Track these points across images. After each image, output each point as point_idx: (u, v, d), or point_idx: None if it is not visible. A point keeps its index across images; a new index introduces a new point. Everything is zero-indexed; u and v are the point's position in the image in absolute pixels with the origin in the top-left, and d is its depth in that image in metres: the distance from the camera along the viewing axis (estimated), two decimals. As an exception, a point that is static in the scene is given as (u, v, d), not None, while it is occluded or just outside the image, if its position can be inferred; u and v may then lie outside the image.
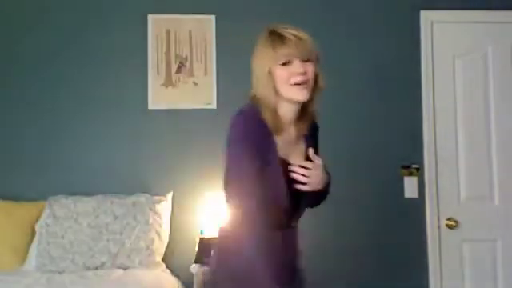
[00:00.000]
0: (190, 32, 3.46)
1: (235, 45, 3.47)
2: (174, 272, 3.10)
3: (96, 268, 2.97)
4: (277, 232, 1.73)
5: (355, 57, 3.49)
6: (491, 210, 3.45)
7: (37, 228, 3.12)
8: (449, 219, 3.41)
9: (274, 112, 1.70)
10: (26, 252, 3.09)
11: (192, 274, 2.97)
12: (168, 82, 3.43)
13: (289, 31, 1.67)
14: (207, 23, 3.47)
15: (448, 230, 3.40)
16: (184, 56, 3.45)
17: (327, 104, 3.42)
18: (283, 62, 1.66)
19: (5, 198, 3.23)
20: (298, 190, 1.75)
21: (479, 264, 3.40)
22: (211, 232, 3.19)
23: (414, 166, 3.44)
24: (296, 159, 1.77)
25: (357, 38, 3.52)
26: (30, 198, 3.25)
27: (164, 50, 3.44)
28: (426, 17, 3.51)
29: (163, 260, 3.16)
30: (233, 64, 3.46)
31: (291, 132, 1.78)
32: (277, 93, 1.69)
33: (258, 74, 1.73)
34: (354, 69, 3.47)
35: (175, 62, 3.44)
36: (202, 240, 3.09)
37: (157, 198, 3.22)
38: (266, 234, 1.64)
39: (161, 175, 3.37)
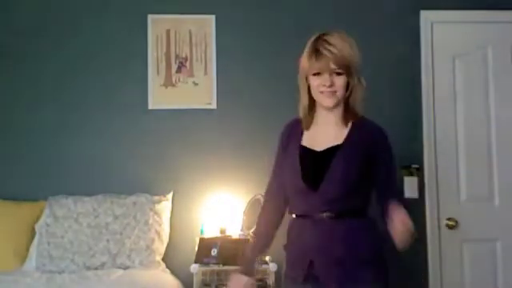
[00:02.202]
0: (189, 32, 3.46)
1: (235, 45, 3.48)
2: (173, 272, 3.10)
3: (96, 268, 2.97)
4: (303, 220, 1.93)
5: (355, 57, 3.49)
6: (491, 210, 3.45)
7: (37, 228, 3.12)
8: (449, 219, 3.41)
9: (305, 110, 2.00)
10: (26, 252, 3.09)
11: (192, 274, 2.97)
12: (168, 82, 3.43)
13: (326, 46, 1.87)
14: (207, 23, 3.47)
15: (448, 230, 3.40)
16: (184, 56, 3.45)
17: (327, 104, 3.45)
18: (315, 73, 1.91)
19: (5, 198, 3.23)
20: (315, 175, 1.88)
21: (479, 264, 3.40)
22: (211, 232, 3.19)
23: (413, 166, 3.44)
24: (320, 146, 1.94)
25: (357, 38, 3.51)
26: (30, 197, 3.25)
27: (164, 50, 3.44)
28: (426, 17, 3.51)
29: (163, 260, 3.16)
30: (233, 64, 3.46)
31: (332, 126, 1.96)
32: (311, 96, 1.97)
33: (299, 78, 2.02)
34: (354, 69, 3.47)
35: (175, 62, 3.45)
36: (201, 240, 3.09)
37: (157, 197, 3.22)
38: (277, 218, 2.05)
39: (161, 175, 3.37)
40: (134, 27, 3.45)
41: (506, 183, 3.44)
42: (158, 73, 3.43)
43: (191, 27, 3.46)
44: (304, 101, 2.00)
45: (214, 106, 3.44)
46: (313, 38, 1.94)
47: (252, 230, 2.15)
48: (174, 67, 3.44)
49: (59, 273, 2.91)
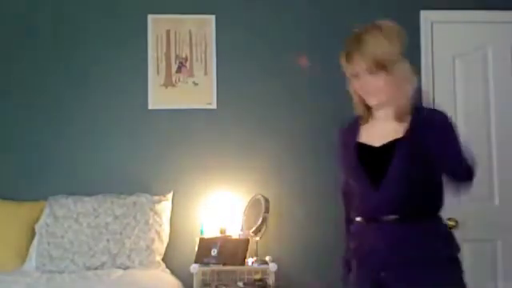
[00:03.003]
0: (189, 32, 3.46)
1: (235, 45, 3.48)
2: (173, 272, 3.10)
3: (96, 268, 2.97)
4: (366, 222, 1.83)
5: (355, 57, 3.49)
6: (491, 210, 3.44)
7: (37, 228, 3.12)
8: (449, 219, 3.40)
9: (358, 105, 1.90)
10: (26, 252, 3.09)
11: (192, 274, 2.97)
12: (168, 82, 3.43)
13: (357, 47, 1.78)
14: (207, 23, 3.47)
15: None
16: (184, 56, 3.45)
17: (327, 104, 3.45)
18: (352, 74, 1.84)
19: (5, 198, 3.23)
20: (375, 173, 1.78)
21: (479, 264, 3.40)
22: (211, 232, 3.19)
23: (414, 165, 3.43)
24: (378, 141, 1.83)
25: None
26: (30, 197, 3.25)
27: (164, 50, 3.44)
28: (426, 17, 3.50)
29: (163, 260, 3.16)
30: (233, 64, 3.46)
31: (389, 120, 1.83)
32: None
33: (347, 74, 1.89)
34: (354, 69, 3.47)
35: (175, 62, 3.44)
36: (201, 240, 3.10)
37: (157, 197, 3.22)
38: (350, 219, 1.93)
39: (161, 175, 3.37)
40: (134, 27, 3.45)
41: (506, 183, 3.44)
42: (158, 73, 3.43)
43: (191, 27, 3.46)
44: (355, 98, 1.90)
45: (214, 106, 3.44)
46: (347, 40, 1.87)
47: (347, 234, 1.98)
48: (174, 67, 3.44)
49: (59, 273, 2.91)
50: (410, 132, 1.76)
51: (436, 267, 1.74)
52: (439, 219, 1.85)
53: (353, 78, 1.84)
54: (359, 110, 1.90)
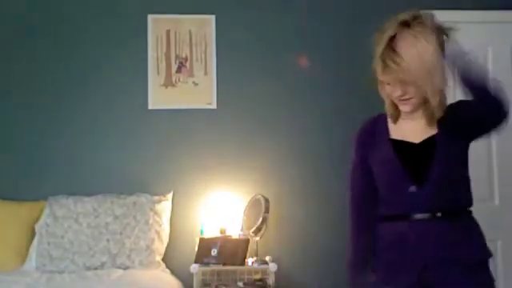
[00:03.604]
0: (189, 32, 3.46)
1: (235, 45, 3.48)
2: (174, 272, 3.10)
3: (96, 268, 2.97)
4: (400, 223, 1.78)
5: (355, 57, 3.49)
6: (491, 210, 3.44)
7: (37, 228, 3.12)
8: (449, 219, 3.41)
9: (390, 107, 1.84)
10: (26, 252, 3.09)
11: (192, 274, 2.97)
12: (168, 82, 3.43)
13: (393, 57, 1.69)
14: (207, 23, 3.47)
15: (448, 230, 3.40)
16: (184, 56, 3.45)
17: (327, 104, 3.45)
18: (386, 82, 1.77)
19: (5, 198, 3.23)
20: (417, 170, 1.74)
21: (479, 264, 3.40)
22: (211, 232, 3.19)
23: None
24: (415, 138, 1.80)
25: (357, 38, 3.51)
26: (30, 197, 3.25)
27: (164, 50, 3.44)
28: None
29: (163, 260, 3.16)
30: (233, 64, 3.46)
31: (419, 119, 1.81)
32: None
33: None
34: (354, 69, 3.46)
35: (175, 62, 3.45)
36: (201, 240, 3.09)
37: (157, 197, 3.22)
38: (369, 224, 1.86)
39: (161, 175, 3.37)
40: (134, 27, 3.45)
41: (506, 183, 3.44)
42: (158, 73, 3.43)
43: (191, 27, 3.46)
44: (387, 101, 1.84)
45: (214, 106, 3.44)
46: (383, 41, 1.76)
47: (348, 247, 1.94)
48: (174, 67, 3.44)
49: (59, 273, 2.91)
50: (445, 126, 1.76)
51: (479, 267, 1.75)
52: (473, 216, 1.86)
53: (386, 84, 1.78)
54: (390, 111, 1.84)
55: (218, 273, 3.06)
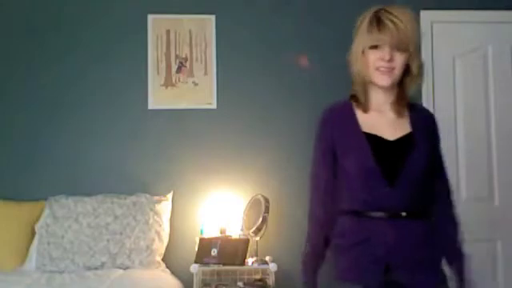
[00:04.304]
0: (190, 32, 3.46)
1: (235, 45, 3.48)
2: (174, 272, 3.10)
3: (96, 268, 2.97)
4: (368, 221, 1.71)
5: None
6: (491, 210, 3.45)
7: (37, 228, 3.12)
8: (449, 219, 3.41)
9: (363, 88, 1.79)
10: (26, 252, 3.09)
11: (192, 274, 2.97)
12: (168, 82, 3.43)
13: (390, 17, 1.68)
14: (207, 23, 3.47)
15: (448, 230, 3.40)
16: (184, 56, 3.45)
17: (327, 104, 3.44)
18: (373, 45, 1.71)
19: (5, 198, 3.23)
20: (392, 163, 1.71)
21: (479, 264, 3.39)
22: (211, 232, 3.19)
23: (414, 166, 3.43)
24: (389, 134, 1.75)
25: (357, 38, 3.52)
26: (30, 197, 3.25)
27: (164, 50, 3.44)
28: (426, 17, 3.50)
29: (163, 260, 3.16)
30: (233, 64, 3.46)
31: (387, 112, 1.79)
32: (366, 73, 1.77)
33: (354, 51, 1.82)
34: (354, 69, 3.47)
35: (175, 62, 3.45)
36: (201, 240, 3.09)
37: (157, 197, 3.22)
38: (331, 218, 1.79)
39: (161, 175, 3.37)
40: (134, 27, 3.45)
41: (506, 183, 3.44)
42: (158, 73, 3.43)
43: (191, 27, 3.46)
44: (362, 77, 1.78)
45: (214, 106, 3.44)
46: (372, 10, 1.74)
47: (307, 241, 1.87)
48: (174, 67, 3.44)
49: (59, 273, 2.91)
50: (416, 125, 1.76)
51: (439, 267, 1.80)
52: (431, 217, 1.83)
53: (371, 48, 1.72)
54: (361, 96, 1.79)
55: (218, 273, 3.06)
